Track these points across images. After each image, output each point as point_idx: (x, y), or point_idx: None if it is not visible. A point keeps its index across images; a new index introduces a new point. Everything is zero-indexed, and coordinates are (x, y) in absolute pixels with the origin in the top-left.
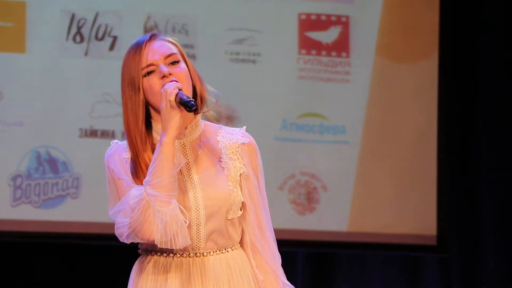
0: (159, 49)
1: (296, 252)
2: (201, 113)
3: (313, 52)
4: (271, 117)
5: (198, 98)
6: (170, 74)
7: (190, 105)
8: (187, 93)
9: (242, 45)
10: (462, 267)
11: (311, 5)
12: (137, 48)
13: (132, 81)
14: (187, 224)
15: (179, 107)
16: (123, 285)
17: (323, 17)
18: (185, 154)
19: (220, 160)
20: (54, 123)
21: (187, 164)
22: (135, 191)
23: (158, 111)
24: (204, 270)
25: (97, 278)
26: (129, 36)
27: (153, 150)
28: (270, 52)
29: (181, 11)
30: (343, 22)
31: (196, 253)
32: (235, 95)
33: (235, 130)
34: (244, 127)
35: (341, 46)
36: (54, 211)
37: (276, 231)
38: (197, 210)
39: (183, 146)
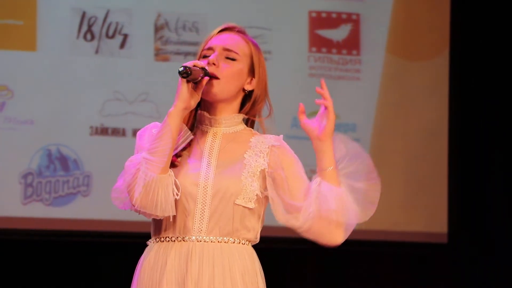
0: (225, 40)
1: (305, 250)
2: (243, 115)
3: (324, 50)
4: (281, 115)
5: (251, 104)
6: (214, 64)
7: (180, 69)
8: (226, 92)
9: None
10: (472, 265)
11: (322, 3)
12: (213, 32)
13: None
14: (178, 197)
15: (183, 79)
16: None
17: (334, 15)
18: (214, 141)
19: (244, 154)
20: (65, 121)
21: (211, 149)
22: (133, 157)
23: (204, 100)
24: (203, 256)
25: (107, 276)
26: (140, 34)
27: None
28: (280, 50)
29: (191, 9)
30: (353, 20)
31: (197, 238)
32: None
33: (271, 135)
34: (281, 135)
35: (352, 44)
36: (64, 209)
37: (285, 229)
38: (205, 188)
39: (215, 134)
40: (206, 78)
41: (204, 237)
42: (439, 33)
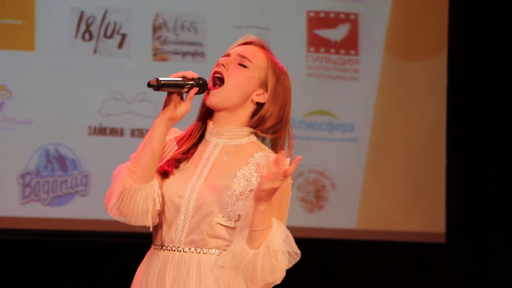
0: (243, 49)
1: (304, 250)
2: (250, 128)
3: (322, 50)
4: None
5: (258, 119)
6: (223, 65)
7: (149, 83)
8: (230, 99)
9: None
10: (470, 265)
11: (320, 3)
12: (236, 42)
13: None
14: (158, 208)
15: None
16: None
17: (332, 15)
18: (211, 153)
19: (237, 172)
20: (63, 121)
21: (206, 161)
22: (122, 164)
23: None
24: (180, 265)
25: (106, 276)
26: (138, 34)
27: (195, 143)
28: (278, 50)
29: (189, 9)
30: (352, 20)
31: (178, 247)
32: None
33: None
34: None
35: (350, 44)
36: (63, 208)
37: None
38: (189, 199)
39: (216, 145)
40: (195, 89)
41: (183, 247)
42: (437, 34)
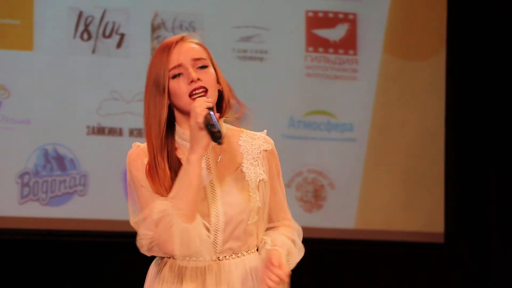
0: (189, 52)
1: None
2: (224, 117)
3: (321, 49)
4: (278, 114)
5: (225, 103)
6: (198, 79)
7: (215, 137)
8: (213, 98)
9: (249, 43)
10: (469, 265)
11: (319, 3)
12: (166, 48)
13: (157, 81)
14: (211, 240)
15: (207, 132)
16: (130, 283)
17: (331, 15)
18: (207, 157)
19: (241, 165)
20: (62, 121)
21: (208, 168)
22: (159, 205)
23: (183, 113)
24: (220, 274)
25: (104, 275)
26: (137, 33)
27: (170, 155)
28: (277, 49)
29: (188, 9)
30: (350, 20)
31: (211, 258)
32: (242, 92)
33: (257, 134)
34: (265, 131)
35: (349, 44)
36: (61, 208)
37: None
38: (216, 216)
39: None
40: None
41: (219, 256)
42: (436, 33)
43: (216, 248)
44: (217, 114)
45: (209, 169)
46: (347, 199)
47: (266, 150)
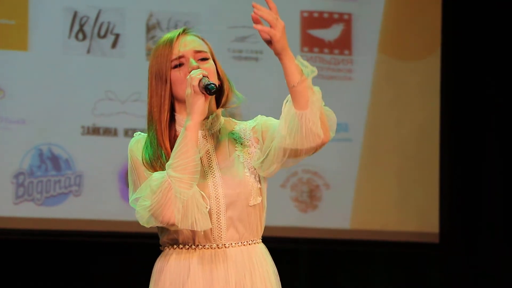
0: (191, 43)
1: (298, 250)
2: (222, 109)
3: (316, 49)
4: (273, 114)
5: (225, 96)
6: (199, 68)
7: (210, 87)
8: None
9: (244, 43)
10: (464, 265)
11: (314, 3)
12: (169, 40)
13: (159, 72)
14: (207, 210)
15: (203, 93)
16: (126, 282)
17: (326, 15)
18: (205, 143)
19: (235, 149)
20: (57, 121)
21: (207, 153)
22: (157, 174)
23: (183, 103)
24: (227, 261)
25: (99, 275)
26: (132, 33)
27: (172, 143)
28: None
29: (183, 9)
30: (345, 20)
31: (218, 245)
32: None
33: (249, 121)
34: (259, 116)
35: (344, 44)
36: (56, 208)
37: (278, 229)
38: (217, 198)
39: (204, 136)
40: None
41: (225, 243)
42: (430, 33)
43: (221, 232)
44: (218, 81)
45: (208, 154)
46: (342, 199)
47: (253, 127)
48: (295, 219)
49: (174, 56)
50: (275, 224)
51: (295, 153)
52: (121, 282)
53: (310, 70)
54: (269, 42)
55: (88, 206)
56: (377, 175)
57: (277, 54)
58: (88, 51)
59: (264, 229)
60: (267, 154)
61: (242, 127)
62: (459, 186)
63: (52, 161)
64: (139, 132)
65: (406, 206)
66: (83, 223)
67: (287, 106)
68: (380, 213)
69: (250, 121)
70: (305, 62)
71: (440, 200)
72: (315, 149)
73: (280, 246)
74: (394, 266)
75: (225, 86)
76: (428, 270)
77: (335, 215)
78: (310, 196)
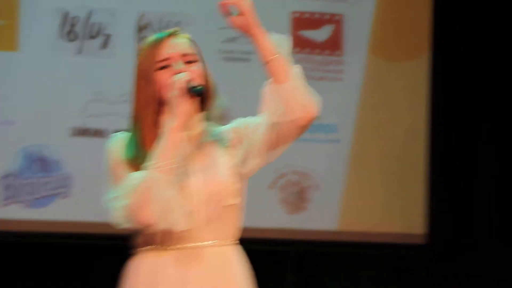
0: (178, 46)
1: (286, 251)
2: (204, 111)
3: (306, 50)
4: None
5: (209, 99)
6: (185, 70)
7: (196, 89)
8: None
9: (235, 44)
10: (450, 266)
11: (304, 4)
12: (156, 41)
13: (145, 73)
14: (186, 210)
15: (188, 95)
16: (114, 285)
17: (316, 16)
18: (187, 145)
19: (217, 150)
20: (46, 122)
21: (189, 154)
22: (137, 174)
23: (168, 104)
24: (202, 262)
25: (87, 277)
26: (123, 34)
27: (155, 144)
28: None
29: (174, 9)
30: (336, 21)
31: (193, 245)
32: (228, 93)
33: (230, 124)
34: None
35: (334, 45)
36: (45, 210)
37: (266, 230)
38: (197, 195)
39: (186, 138)
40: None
41: (201, 244)
42: (420, 35)
43: (198, 234)
44: (204, 84)
45: (189, 154)
46: (330, 201)
47: (234, 129)
48: (283, 220)
49: (160, 58)
50: (263, 226)
51: (283, 136)
52: (109, 283)
53: (285, 44)
54: (243, 30)
55: (76, 208)
56: (365, 176)
57: (249, 31)
58: (79, 52)
59: (252, 231)
60: (253, 145)
61: (223, 129)
62: (445, 188)
63: (41, 163)
64: (118, 134)
65: (394, 207)
66: (71, 225)
67: (267, 87)
68: (369, 215)
69: (230, 123)
70: (278, 36)
71: (427, 202)
72: (302, 127)
73: (268, 247)
74: (382, 267)
75: (210, 89)
76: (415, 271)
77: (324, 217)
78: (299, 198)
